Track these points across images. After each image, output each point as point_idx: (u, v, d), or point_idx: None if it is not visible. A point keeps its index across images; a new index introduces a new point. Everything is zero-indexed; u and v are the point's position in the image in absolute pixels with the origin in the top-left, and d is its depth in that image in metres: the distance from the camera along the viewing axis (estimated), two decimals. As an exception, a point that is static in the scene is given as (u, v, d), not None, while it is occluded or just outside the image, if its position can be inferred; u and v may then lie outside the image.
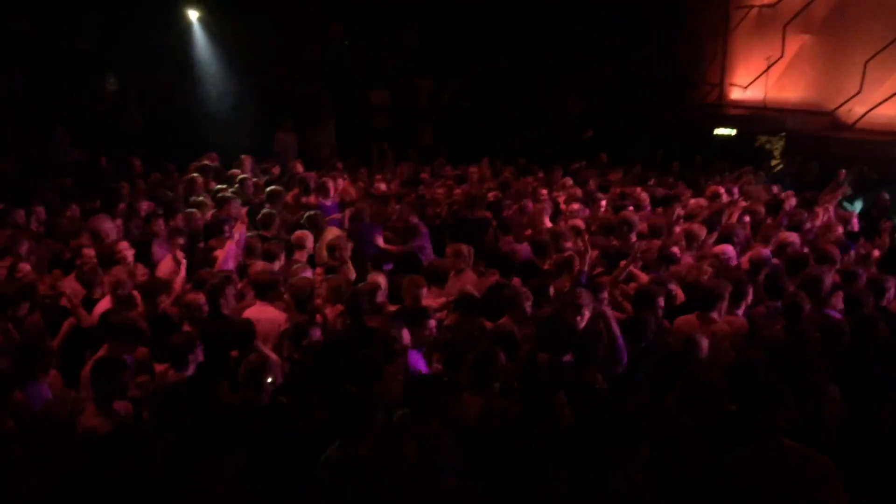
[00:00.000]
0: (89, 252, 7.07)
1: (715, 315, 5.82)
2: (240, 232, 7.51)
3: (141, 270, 6.91)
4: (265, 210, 8.62)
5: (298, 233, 7.71)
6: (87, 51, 14.56)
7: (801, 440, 3.89)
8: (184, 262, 6.93)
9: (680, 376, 4.42)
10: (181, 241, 7.41)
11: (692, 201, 9.75)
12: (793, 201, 9.89)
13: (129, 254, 7.15)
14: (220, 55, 15.46)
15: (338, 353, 5.14)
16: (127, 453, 3.78)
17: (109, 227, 7.95)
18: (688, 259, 7.36)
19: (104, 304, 6.19)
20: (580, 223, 8.22)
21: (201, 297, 5.86)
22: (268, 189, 9.59)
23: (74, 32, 14.53)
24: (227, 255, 7.15)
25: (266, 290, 6.22)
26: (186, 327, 5.71)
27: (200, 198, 9.25)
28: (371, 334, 5.38)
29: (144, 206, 9.26)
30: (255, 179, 10.65)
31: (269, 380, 4.64)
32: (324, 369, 5.01)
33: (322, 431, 4.23)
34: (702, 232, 7.82)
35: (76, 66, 14.29)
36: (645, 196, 10.01)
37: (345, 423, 4.08)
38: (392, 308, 6.21)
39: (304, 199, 9.70)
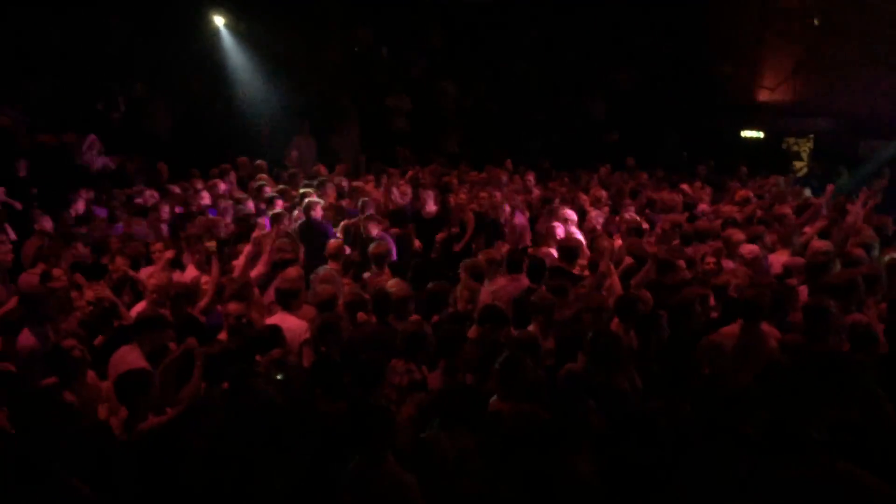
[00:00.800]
0: (122, 261, 7.17)
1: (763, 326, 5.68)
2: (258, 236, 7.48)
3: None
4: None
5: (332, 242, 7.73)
6: (113, 56, 14.70)
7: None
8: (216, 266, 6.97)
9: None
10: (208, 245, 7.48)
11: (725, 207, 9.69)
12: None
13: (166, 256, 7.26)
14: (245, 60, 15.60)
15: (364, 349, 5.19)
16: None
17: (142, 230, 8.06)
18: (728, 265, 7.26)
19: (140, 307, 6.30)
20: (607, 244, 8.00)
21: (241, 307, 5.87)
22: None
23: (102, 39, 14.67)
24: (245, 261, 7.13)
25: (289, 298, 6.23)
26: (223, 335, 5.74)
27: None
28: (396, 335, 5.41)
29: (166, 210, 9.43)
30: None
31: (280, 376, 4.70)
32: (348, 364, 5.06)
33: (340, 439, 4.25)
34: (740, 237, 7.69)
35: (103, 72, 14.45)
36: (678, 199, 10.00)
37: (366, 437, 4.08)
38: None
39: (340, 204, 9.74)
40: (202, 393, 4.87)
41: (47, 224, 8.65)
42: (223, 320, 5.91)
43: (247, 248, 7.22)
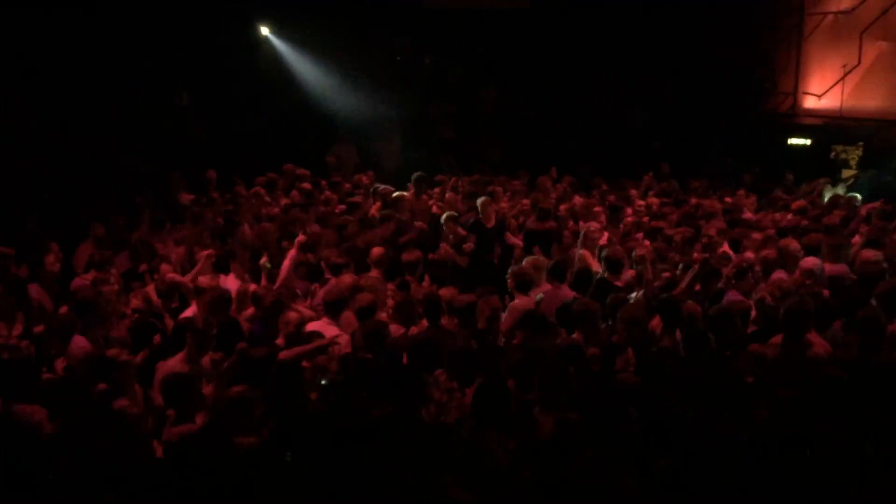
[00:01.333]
0: (166, 267, 7.28)
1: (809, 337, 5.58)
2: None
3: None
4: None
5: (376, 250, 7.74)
6: (156, 66, 14.97)
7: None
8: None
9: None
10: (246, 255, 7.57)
11: (775, 216, 9.58)
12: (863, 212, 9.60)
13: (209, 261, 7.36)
14: (289, 69, 15.80)
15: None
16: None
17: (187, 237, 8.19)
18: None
19: (189, 312, 6.40)
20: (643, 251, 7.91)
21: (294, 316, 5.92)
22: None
23: (145, 47, 14.95)
24: (290, 265, 7.17)
25: (336, 307, 6.27)
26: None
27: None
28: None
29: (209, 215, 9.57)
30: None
31: (324, 382, 4.80)
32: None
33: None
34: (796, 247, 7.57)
35: (146, 81, 14.72)
36: (717, 206, 9.89)
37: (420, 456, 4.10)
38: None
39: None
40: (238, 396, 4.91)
41: (99, 231, 8.81)
42: (278, 328, 5.92)
43: (291, 253, 7.25)
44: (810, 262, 7.06)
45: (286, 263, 7.19)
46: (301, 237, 7.56)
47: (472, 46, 17.32)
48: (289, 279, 7.08)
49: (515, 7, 16.85)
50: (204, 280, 6.60)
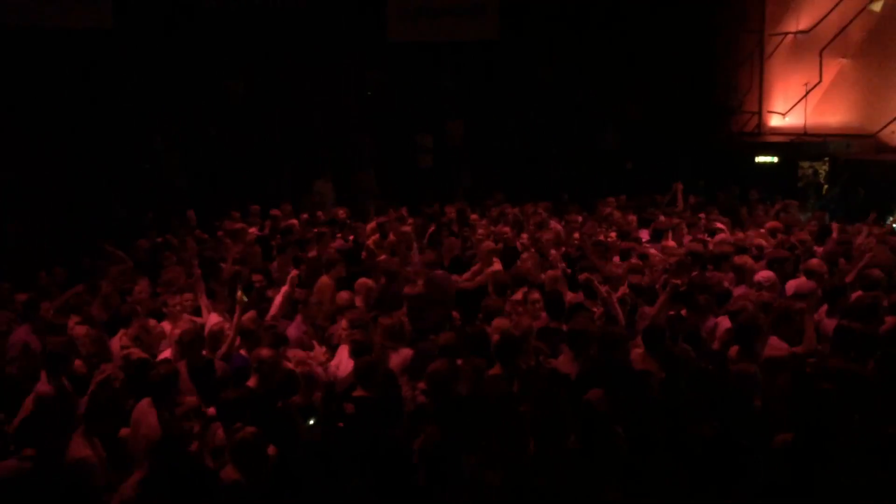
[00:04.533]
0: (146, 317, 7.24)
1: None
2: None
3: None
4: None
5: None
6: (131, 109, 15.07)
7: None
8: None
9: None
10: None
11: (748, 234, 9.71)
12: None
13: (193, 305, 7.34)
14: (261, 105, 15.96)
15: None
16: None
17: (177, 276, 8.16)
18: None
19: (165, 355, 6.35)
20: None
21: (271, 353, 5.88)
22: None
23: (120, 93, 15.04)
24: (281, 301, 7.14)
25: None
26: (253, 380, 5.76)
27: None
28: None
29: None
30: None
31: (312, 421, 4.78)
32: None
33: None
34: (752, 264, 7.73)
35: (121, 125, 14.78)
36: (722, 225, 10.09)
37: None
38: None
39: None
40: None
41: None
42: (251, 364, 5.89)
43: (283, 289, 7.21)
44: (764, 274, 7.25)
45: (278, 299, 7.16)
46: (294, 272, 7.51)
47: (437, 78, 17.58)
48: (279, 314, 7.04)
49: (484, 38, 17.11)
50: (176, 331, 6.52)
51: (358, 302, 7.39)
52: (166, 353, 6.42)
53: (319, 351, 6.65)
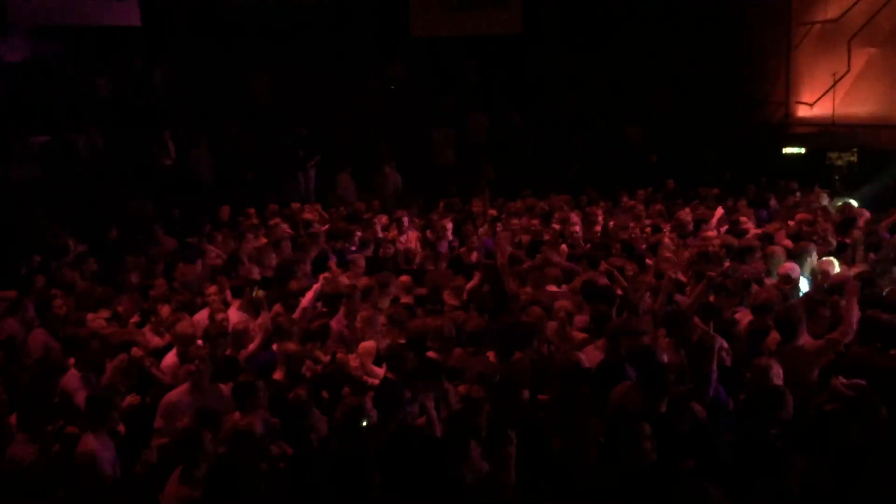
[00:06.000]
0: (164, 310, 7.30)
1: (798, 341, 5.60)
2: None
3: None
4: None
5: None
6: (155, 105, 15.23)
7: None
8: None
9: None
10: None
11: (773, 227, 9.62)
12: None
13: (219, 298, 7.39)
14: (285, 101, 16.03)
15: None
16: None
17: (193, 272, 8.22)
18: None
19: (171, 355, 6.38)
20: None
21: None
22: None
23: (145, 90, 15.21)
24: (311, 297, 7.07)
25: None
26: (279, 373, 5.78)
27: None
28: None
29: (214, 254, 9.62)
30: None
31: (365, 423, 4.65)
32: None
33: None
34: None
35: (147, 122, 14.93)
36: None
37: None
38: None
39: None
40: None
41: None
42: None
43: (316, 286, 7.11)
44: (787, 267, 7.17)
45: (308, 296, 7.04)
46: (327, 274, 7.38)
47: (463, 73, 17.54)
48: (307, 313, 6.98)
49: (507, 31, 17.05)
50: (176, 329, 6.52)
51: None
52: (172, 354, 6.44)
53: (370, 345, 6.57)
